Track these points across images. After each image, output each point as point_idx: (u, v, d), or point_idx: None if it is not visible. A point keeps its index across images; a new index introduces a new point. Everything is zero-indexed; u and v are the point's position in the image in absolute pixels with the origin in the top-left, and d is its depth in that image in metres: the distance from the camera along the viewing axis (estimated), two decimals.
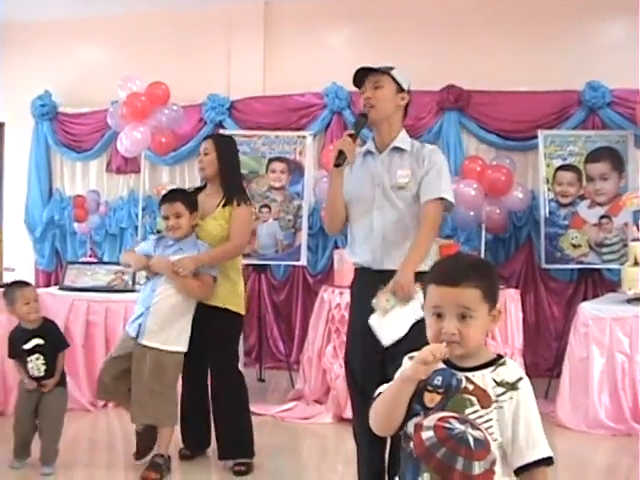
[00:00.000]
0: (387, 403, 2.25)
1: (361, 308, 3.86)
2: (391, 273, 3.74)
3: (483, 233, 7.47)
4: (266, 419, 6.33)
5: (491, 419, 2.14)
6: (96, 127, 8.86)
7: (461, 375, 2.20)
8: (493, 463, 2.13)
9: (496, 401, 2.15)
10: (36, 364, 4.78)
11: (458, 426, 2.14)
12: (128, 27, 8.96)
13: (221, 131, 7.96)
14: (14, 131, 9.33)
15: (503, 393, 2.16)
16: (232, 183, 5.07)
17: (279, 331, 8.40)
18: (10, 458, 4.94)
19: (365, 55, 7.81)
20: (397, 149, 3.90)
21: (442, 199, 3.82)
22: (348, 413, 6.02)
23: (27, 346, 4.79)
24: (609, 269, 7.48)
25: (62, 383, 4.96)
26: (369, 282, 3.83)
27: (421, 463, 2.16)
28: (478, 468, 2.12)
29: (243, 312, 5.14)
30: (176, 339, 4.79)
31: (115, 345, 5.13)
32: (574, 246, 7.34)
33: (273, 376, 7.84)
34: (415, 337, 3.82)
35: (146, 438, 5.06)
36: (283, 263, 8.05)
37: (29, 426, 4.86)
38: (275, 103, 8.43)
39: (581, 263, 7.38)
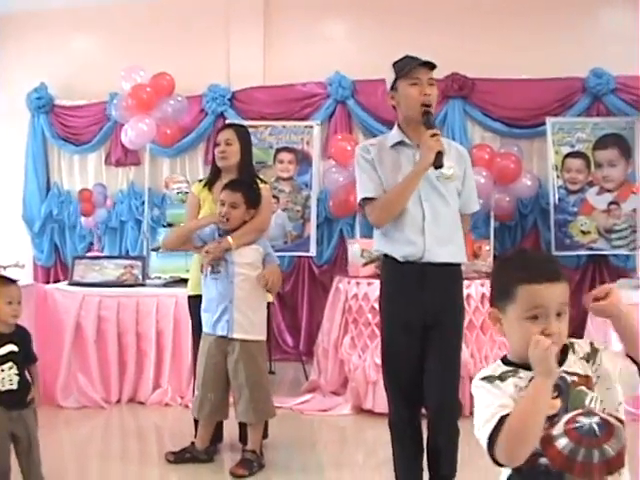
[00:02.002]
0: (528, 417, 2.02)
1: (404, 303, 3.82)
2: (436, 266, 3.76)
3: (492, 221, 7.45)
4: (283, 412, 6.25)
5: (597, 397, 2.10)
6: (94, 119, 8.76)
7: (558, 371, 2.09)
8: (621, 436, 2.07)
9: (597, 377, 2.13)
10: (8, 374, 3.98)
11: (585, 421, 2.06)
12: (124, 16, 8.81)
13: (228, 121, 7.87)
14: (10, 125, 9.15)
15: (593, 363, 2.14)
16: (249, 171, 5.06)
17: (285, 323, 8.34)
18: None
19: (368, 42, 7.89)
20: None
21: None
22: (367, 404, 6.04)
23: None
24: (616, 255, 7.50)
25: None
26: (413, 275, 3.79)
27: (564, 475, 2.05)
28: (612, 450, 2.06)
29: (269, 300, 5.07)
30: (259, 328, 4.72)
31: (200, 360, 4.80)
32: (583, 232, 7.34)
33: (282, 368, 7.76)
34: (455, 327, 3.88)
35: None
36: (292, 254, 7.98)
37: (7, 455, 4.03)
38: (277, 93, 8.35)
39: (590, 249, 7.39)
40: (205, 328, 4.73)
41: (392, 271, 3.94)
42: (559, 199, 7.38)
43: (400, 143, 3.86)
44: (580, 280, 7.80)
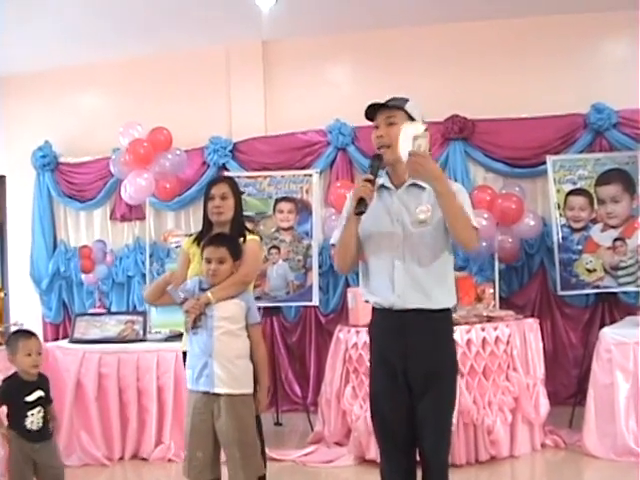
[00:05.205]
0: None
1: (385, 352, 3.75)
2: (414, 312, 3.65)
3: (496, 263, 7.38)
4: (286, 464, 6.20)
5: None
6: (98, 175, 8.79)
7: None
8: None
9: None
10: (37, 417, 4.58)
11: None
12: (126, 73, 8.91)
13: (226, 173, 7.87)
14: (16, 183, 9.27)
15: None
16: (239, 224, 5.02)
17: (293, 373, 8.27)
18: None
19: (367, 89, 7.84)
20: (415, 185, 3.76)
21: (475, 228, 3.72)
22: (370, 454, 5.94)
23: (30, 398, 4.58)
24: (625, 292, 7.37)
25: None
26: (392, 322, 3.72)
27: None
28: None
29: None
30: (243, 381, 4.60)
31: (186, 419, 4.61)
32: (589, 271, 7.23)
33: (290, 419, 7.71)
34: (445, 375, 3.77)
35: None
36: (295, 304, 7.94)
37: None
38: (278, 142, 8.36)
39: (597, 288, 7.26)
40: (188, 384, 4.64)
41: (374, 316, 3.90)
42: (563, 238, 7.28)
43: (382, 186, 3.80)
44: (589, 319, 7.71)
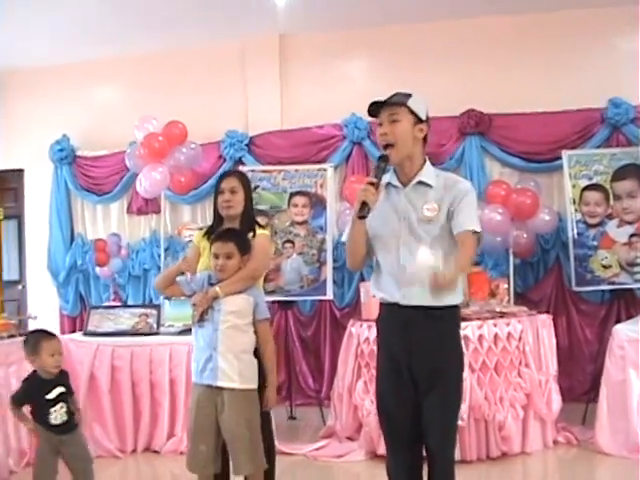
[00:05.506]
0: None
1: (392, 348, 3.75)
2: (419, 309, 3.64)
3: (511, 258, 7.36)
4: (298, 458, 6.20)
5: None
6: (115, 169, 8.83)
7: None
8: None
9: None
10: (60, 413, 4.64)
11: None
12: (143, 67, 8.97)
13: (241, 167, 7.86)
14: (34, 177, 9.35)
15: None
16: (249, 218, 4.99)
17: (308, 367, 8.30)
18: None
19: (383, 83, 7.80)
20: (422, 183, 3.73)
21: (475, 232, 3.65)
22: (381, 449, 5.91)
23: (50, 396, 4.64)
24: None
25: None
26: (397, 318, 3.71)
27: None
28: None
29: None
30: (248, 376, 4.58)
31: (190, 412, 4.61)
32: (604, 267, 7.19)
33: (304, 413, 7.71)
34: (450, 373, 3.76)
35: None
36: (309, 298, 7.95)
37: (53, 469, 4.71)
38: (294, 137, 8.39)
39: (612, 284, 7.23)
40: (193, 377, 4.65)
41: (381, 311, 3.90)
42: (578, 233, 7.24)
43: (389, 184, 3.79)
44: (605, 316, 7.67)
